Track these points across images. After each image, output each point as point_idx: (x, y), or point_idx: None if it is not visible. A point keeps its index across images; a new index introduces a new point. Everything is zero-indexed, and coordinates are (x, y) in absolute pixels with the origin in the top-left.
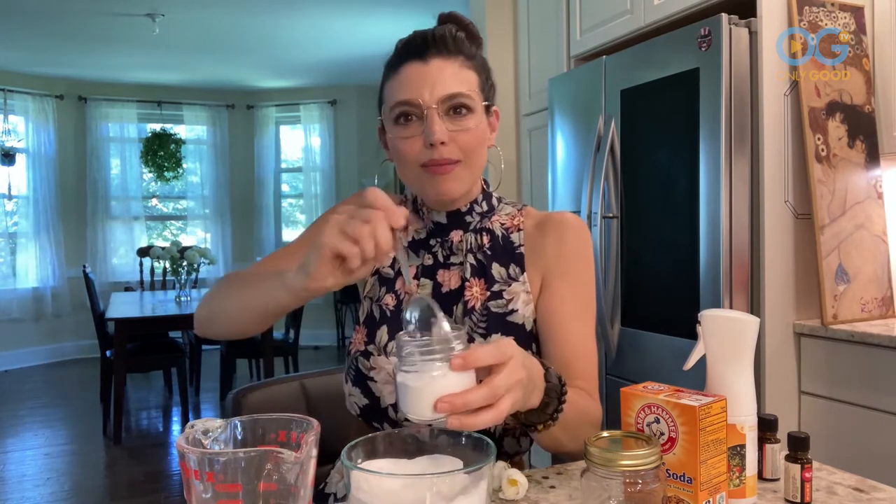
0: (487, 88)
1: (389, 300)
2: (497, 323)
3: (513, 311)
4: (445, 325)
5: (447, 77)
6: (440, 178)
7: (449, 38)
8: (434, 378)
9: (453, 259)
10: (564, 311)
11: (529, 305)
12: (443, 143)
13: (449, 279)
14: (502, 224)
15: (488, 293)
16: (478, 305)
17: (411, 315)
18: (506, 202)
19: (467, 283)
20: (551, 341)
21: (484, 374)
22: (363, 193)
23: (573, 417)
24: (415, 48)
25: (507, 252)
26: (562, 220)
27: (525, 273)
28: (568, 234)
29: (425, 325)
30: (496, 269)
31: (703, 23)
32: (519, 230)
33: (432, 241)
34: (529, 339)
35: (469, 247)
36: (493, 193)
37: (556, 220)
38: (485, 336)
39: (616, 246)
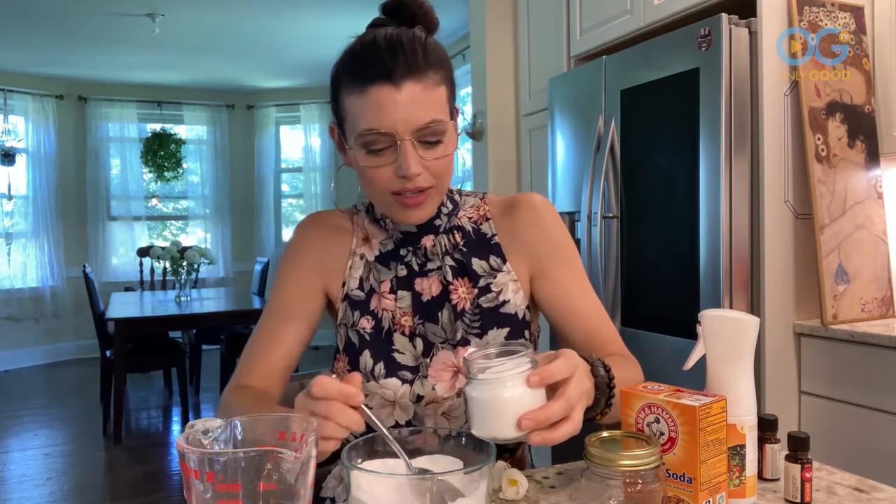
0: (452, 96)
1: (365, 323)
2: (490, 318)
3: (504, 303)
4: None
5: (420, 105)
6: (412, 210)
7: (419, 50)
8: (510, 398)
9: (430, 265)
10: (570, 290)
11: (519, 293)
12: (417, 174)
13: (429, 287)
14: (469, 218)
15: (475, 290)
16: (467, 305)
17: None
18: (465, 194)
19: (451, 286)
20: (568, 321)
21: (549, 387)
22: (310, 390)
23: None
24: (384, 67)
25: (482, 245)
26: (531, 202)
27: (507, 262)
28: (544, 216)
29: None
30: (477, 264)
31: (703, 23)
32: (487, 220)
33: (403, 251)
34: (523, 326)
35: (444, 249)
36: (454, 189)
37: (525, 203)
38: (480, 335)
39: (616, 246)
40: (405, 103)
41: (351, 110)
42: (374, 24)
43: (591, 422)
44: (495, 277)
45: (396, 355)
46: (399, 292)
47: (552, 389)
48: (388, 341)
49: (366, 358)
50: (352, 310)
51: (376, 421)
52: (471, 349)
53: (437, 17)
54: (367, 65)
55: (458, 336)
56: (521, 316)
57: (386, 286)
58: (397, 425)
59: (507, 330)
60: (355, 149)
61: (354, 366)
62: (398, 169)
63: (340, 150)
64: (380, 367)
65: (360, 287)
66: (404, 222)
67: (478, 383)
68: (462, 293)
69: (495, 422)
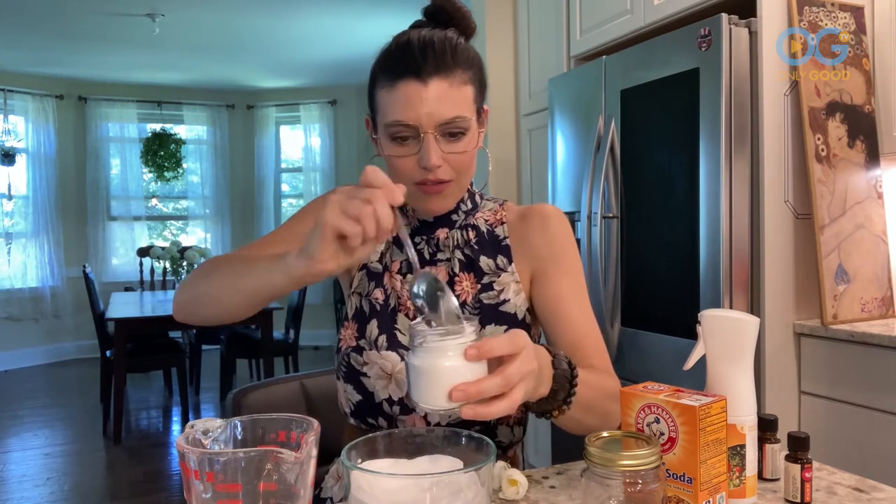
0: (480, 96)
1: (378, 294)
2: (490, 314)
3: (504, 301)
4: (453, 300)
5: (445, 101)
6: (432, 197)
7: (448, 50)
8: (447, 368)
9: (440, 255)
10: (564, 296)
11: (520, 295)
12: (438, 166)
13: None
14: (486, 220)
15: (479, 286)
16: (469, 299)
17: (418, 288)
18: (487, 198)
19: (457, 279)
20: (558, 326)
21: (494, 364)
22: (363, 172)
23: (591, 397)
24: (413, 64)
25: (493, 245)
26: (543, 212)
27: (513, 264)
28: (552, 224)
29: (432, 298)
30: (484, 262)
31: (703, 23)
32: (502, 223)
33: (417, 239)
34: (520, 327)
35: (456, 243)
36: (476, 191)
37: (539, 212)
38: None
39: (616, 246)
40: (431, 99)
41: (382, 103)
42: (414, 27)
43: (547, 417)
44: (499, 276)
45: (398, 334)
46: (408, 275)
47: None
48: (393, 318)
49: (372, 327)
50: (368, 280)
51: (402, 228)
52: (419, 319)
53: (475, 22)
54: (398, 62)
55: None
56: (520, 317)
57: (396, 266)
58: (391, 399)
59: (504, 328)
60: (383, 139)
61: (361, 333)
62: (420, 160)
63: (373, 142)
64: (383, 339)
65: (380, 261)
66: (425, 211)
67: (418, 350)
68: (466, 286)
69: (429, 391)
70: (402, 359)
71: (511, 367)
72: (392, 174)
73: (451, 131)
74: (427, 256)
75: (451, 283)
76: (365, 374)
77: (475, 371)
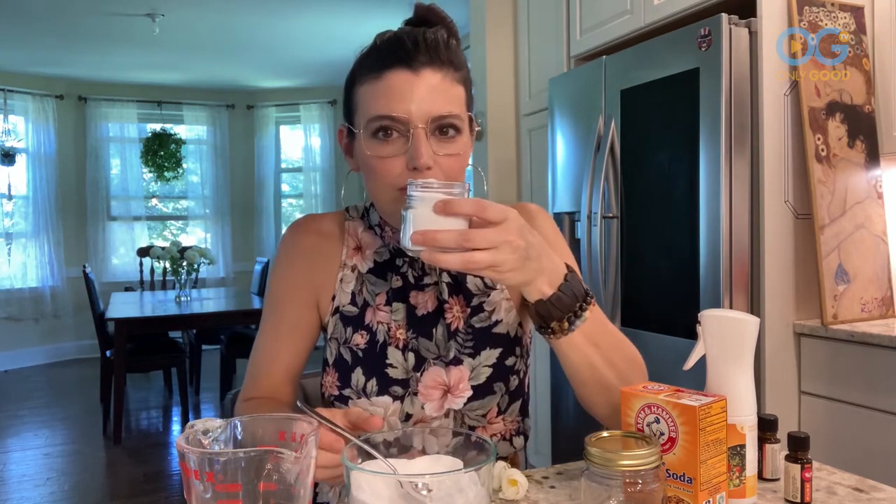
0: (470, 103)
1: (359, 339)
2: (483, 338)
3: (497, 322)
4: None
5: (437, 93)
6: None
7: (441, 44)
8: (421, 216)
9: (426, 279)
10: None
11: (511, 312)
12: (428, 167)
13: (425, 302)
14: None
15: (468, 309)
16: (461, 325)
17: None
18: None
19: (446, 305)
20: None
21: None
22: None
23: (604, 337)
24: (404, 53)
25: None
26: (526, 211)
27: None
28: (537, 222)
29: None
30: (471, 282)
31: (703, 23)
32: None
33: (399, 261)
34: (514, 344)
35: None
36: None
37: (521, 212)
38: (473, 355)
39: (616, 246)
40: (422, 89)
41: (363, 99)
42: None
43: (548, 334)
44: (489, 296)
45: (389, 370)
46: (394, 304)
47: None
48: (382, 355)
49: (357, 375)
50: (344, 326)
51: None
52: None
53: (458, 31)
54: (385, 53)
55: (451, 355)
56: (512, 335)
57: (381, 298)
58: (386, 442)
59: (499, 350)
60: (363, 139)
61: (345, 382)
62: (409, 160)
63: (347, 155)
64: (372, 384)
65: (353, 302)
66: None
67: (409, 199)
68: (456, 312)
69: (404, 232)
70: (395, 399)
71: (480, 231)
72: (372, 181)
73: (444, 128)
74: (412, 280)
75: (441, 310)
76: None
77: (447, 224)
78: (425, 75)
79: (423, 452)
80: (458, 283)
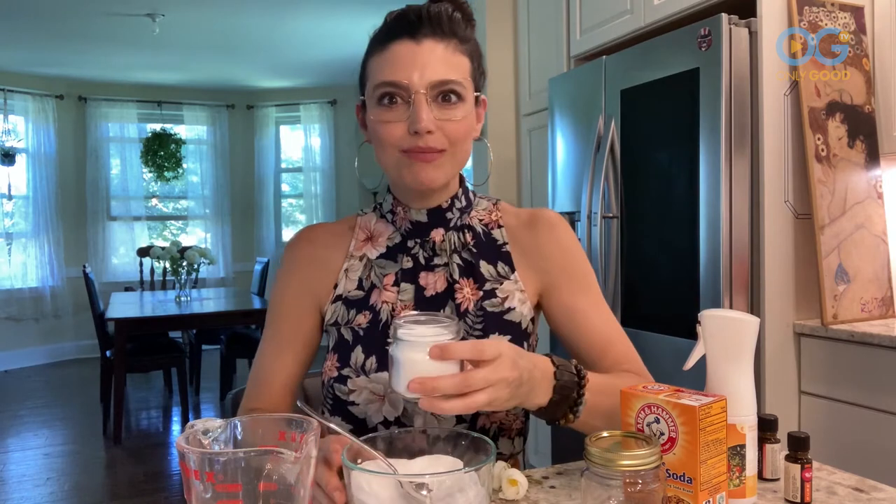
0: (478, 76)
1: (362, 319)
2: (493, 322)
3: (510, 310)
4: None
5: (439, 60)
6: (421, 166)
7: (444, 17)
8: (415, 361)
9: (437, 260)
10: (584, 305)
11: (526, 304)
12: (429, 131)
13: (434, 282)
14: (480, 220)
15: (480, 293)
16: (471, 307)
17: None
18: (479, 196)
19: (457, 285)
20: (581, 336)
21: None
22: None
23: (608, 404)
24: (407, 24)
25: (492, 250)
26: (548, 220)
27: (516, 272)
28: (561, 234)
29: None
30: (485, 268)
31: (703, 23)
32: (499, 227)
33: (410, 243)
34: (523, 337)
35: (453, 246)
36: (469, 187)
37: (545, 221)
38: (482, 336)
39: (616, 246)
40: (423, 57)
41: (372, 69)
42: None
43: (557, 424)
44: (502, 284)
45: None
46: (402, 284)
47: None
48: (384, 334)
49: (357, 353)
50: (347, 308)
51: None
52: (404, 313)
53: (474, 19)
54: (392, 26)
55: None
56: (524, 326)
57: (389, 279)
58: (386, 422)
59: (508, 337)
60: (370, 107)
61: (344, 362)
62: (410, 124)
63: (362, 127)
64: (371, 361)
65: (360, 287)
66: (413, 184)
67: (396, 342)
68: (467, 293)
69: (396, 378)
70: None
71: (476, 372)
72: (378, 147)
73: (445, 93)
74: (423, 261)
75: (451, 290)
76: (352, 403)
77: (443, 369)
78: (427, 45)
79: (425, 433)
80: (469, 265)
